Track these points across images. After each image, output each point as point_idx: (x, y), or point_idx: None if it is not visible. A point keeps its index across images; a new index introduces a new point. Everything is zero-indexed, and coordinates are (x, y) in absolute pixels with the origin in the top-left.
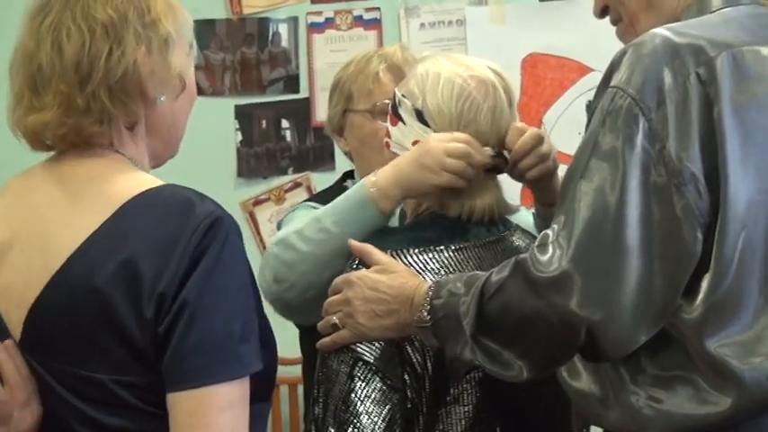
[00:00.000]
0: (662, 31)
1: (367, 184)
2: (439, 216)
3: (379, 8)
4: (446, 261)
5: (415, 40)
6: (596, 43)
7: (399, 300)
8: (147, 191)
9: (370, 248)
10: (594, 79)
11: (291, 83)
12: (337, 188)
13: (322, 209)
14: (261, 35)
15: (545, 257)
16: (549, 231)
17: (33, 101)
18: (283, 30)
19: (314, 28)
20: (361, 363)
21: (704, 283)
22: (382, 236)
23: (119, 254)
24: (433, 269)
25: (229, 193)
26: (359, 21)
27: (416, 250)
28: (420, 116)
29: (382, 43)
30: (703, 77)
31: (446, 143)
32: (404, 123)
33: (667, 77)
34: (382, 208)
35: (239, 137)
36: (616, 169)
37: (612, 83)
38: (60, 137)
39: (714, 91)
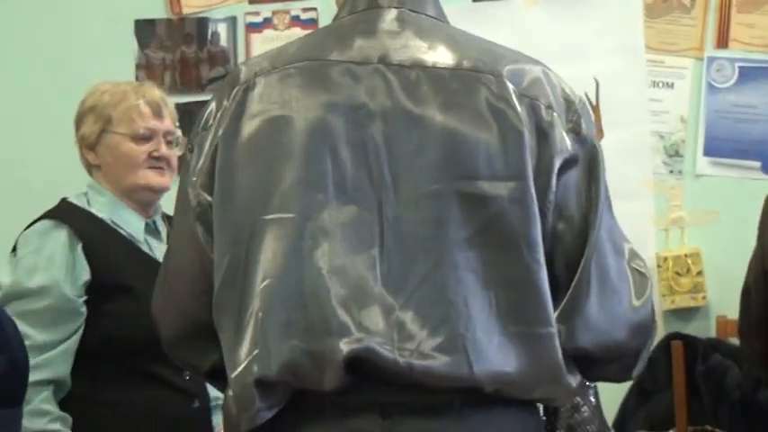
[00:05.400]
0: None
1: None
2: None
3: (315, 8)
4: None
5: None
6: (528, 41)
7: None
8: None
9: None
10: None
11: None
12: (71, 208)
13: None
14: (200, 35)
15: None
16: None
17: None
18: (222, 29)
19: (252, 28)
20: None
21: None
22: None
23: None
24: None
25: (172, 191)
26: (296, 20)
27: None
28: None
29: None
30: (224, 106)
31: None
32: None
33: (211, 106)
34: None
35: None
36: None
37: None
38: None
39: (217, 123)
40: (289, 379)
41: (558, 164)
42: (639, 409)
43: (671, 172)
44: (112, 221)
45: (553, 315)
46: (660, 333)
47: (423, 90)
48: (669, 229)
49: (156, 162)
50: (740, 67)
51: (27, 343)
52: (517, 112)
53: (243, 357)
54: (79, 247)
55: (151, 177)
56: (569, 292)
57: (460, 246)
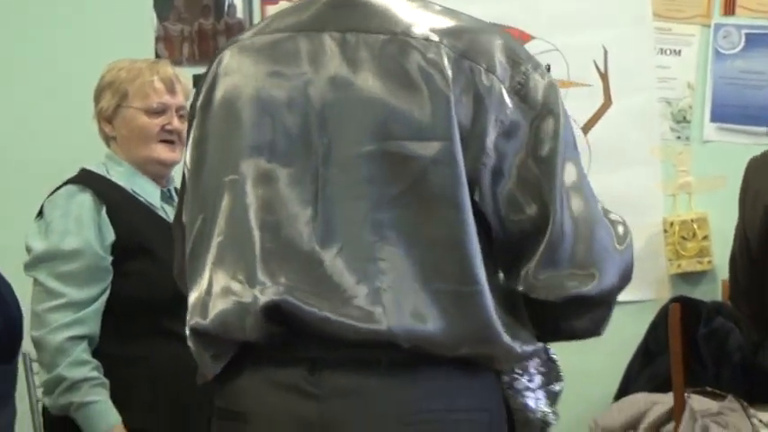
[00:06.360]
0: None
1: None
2: None
3: None
4: None
5: None
6: (537, 10)
7: None
8: None
9: None
10: (536, 47)
11: None
12: (91, 175)
13: None
14: (217, 7)
15: None
16: None
17: None
18: (238, 1)
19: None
20: None
21: None
22: None
23: None
24: None
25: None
26: None
27: None
28: None
29: None
30: (205, 79)
31: None
32: None
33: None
34: None
35: None
36: None
37: None
38: None
39: (200, 86)
40: (219, 331)
41: (494, 127)
42: (643, 370)
43: (678, 138)
44: (132, 189)
45: (481, 273)
46: (666, 296)
47: (360, 56)
48: (676, 195)
49: (169, 135)
50: (747, 34)
51: (64, 301)
52: (446, 77)
53: (192, 310)
54: (103, 209)
55: (162, 152)
56: (543, 243)
57: (386, 205)
